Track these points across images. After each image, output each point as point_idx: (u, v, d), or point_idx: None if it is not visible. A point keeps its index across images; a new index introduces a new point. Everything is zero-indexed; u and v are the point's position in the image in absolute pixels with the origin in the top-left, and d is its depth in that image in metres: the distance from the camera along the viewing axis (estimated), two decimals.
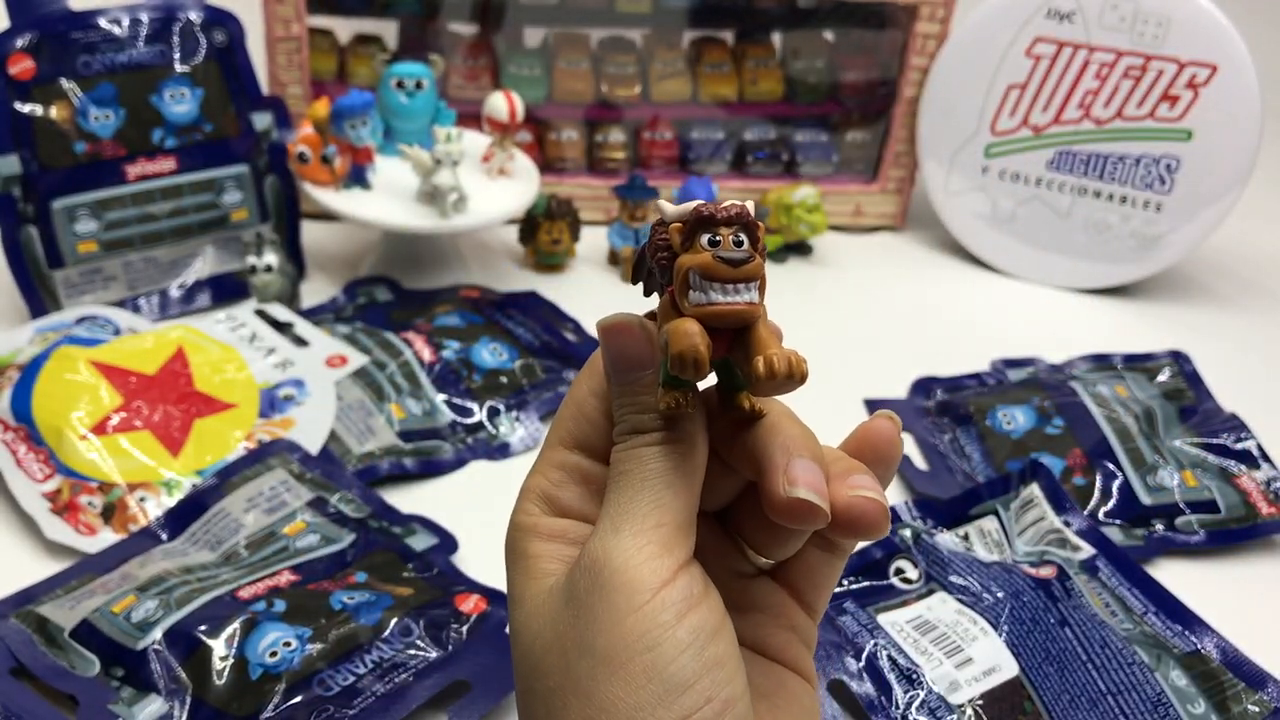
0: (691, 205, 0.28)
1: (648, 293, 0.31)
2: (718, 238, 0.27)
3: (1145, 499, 0.63)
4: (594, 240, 0.89)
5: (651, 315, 0.30)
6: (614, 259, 0.87)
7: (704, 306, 0.27)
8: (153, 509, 0.57)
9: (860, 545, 0.57)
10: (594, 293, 0.84)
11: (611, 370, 0.31)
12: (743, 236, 0.28)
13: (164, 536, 0.56)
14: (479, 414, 0.67)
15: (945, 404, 0.72)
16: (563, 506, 0.32)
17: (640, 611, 0.28)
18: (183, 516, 0.57)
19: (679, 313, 0.28)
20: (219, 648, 0.47)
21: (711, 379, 0.30)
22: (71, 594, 0.52)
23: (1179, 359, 0.76)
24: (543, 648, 0.30)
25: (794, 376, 0.27)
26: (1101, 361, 0.77)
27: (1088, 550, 0.57)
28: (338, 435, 0.64)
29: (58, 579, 0.53)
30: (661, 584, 0.29)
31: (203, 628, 0.48)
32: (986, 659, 0.50)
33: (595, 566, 0.29)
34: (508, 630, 0.32)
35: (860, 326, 0.84)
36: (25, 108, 0.68)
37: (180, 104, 0.73)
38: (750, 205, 0.28)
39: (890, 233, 0.98)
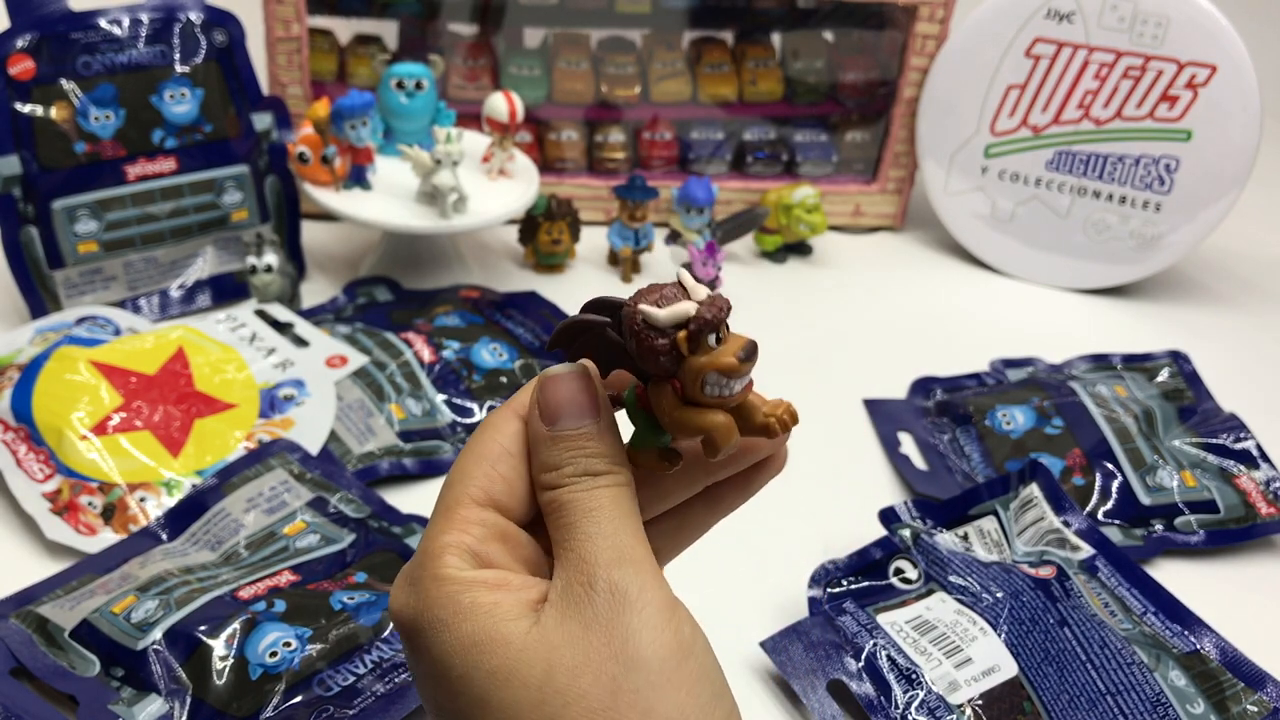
0: (683, 310, 0.30)
1: (574, 358, 0.33)
2: (721, 334, 0.30)
3: (1144, 499, 0.63)
4: (594, 240, 0.89)
5: (579, 355, 0.33)
6: (614, 259, 0.87)
7: (726, 398, 0.30)
8: (153, 509, 0.57)
9: (858, 546, 0.57)
10: (594, 293, 0.83)
11: (554, 418, 0.32)
12: (728, 327, 0.30)
13: (164, 536, 0.56)
14: (479, 414, 0.67)
15: (945, 404, 0.72)
16: (489, 561, 0.32)
17: (671, 625, 0.30)
18: (183, 516, 0.57)
19: (682, 397, 0.31)
20: (219, 648, 0.47)
21: (627, 424, 0.33)
22: (71, 594, 0.52)
23: (1178, 359, 0.76)
24: (569, 671, 0.29)
25: (792, 425, 0.31)
26: (1101, 361, 0.77)
27: (1087, 550, 0.57)
28: (338, 435, 0.64)
29: (58, 579, 0.53)
30: (675, 600, 0.30)
31: (203, 628, 0.48)
32: (986, 659, 0.50)
33: (616, 590, 0.30)
34: (481, 672, 0.30)
35: (860, 326, 0.84)
36: (25, 108, 0.68)
37: (180, 104, 0.73)
38: (721, 293, 0.31)
39: (890, 233, 0.98)
